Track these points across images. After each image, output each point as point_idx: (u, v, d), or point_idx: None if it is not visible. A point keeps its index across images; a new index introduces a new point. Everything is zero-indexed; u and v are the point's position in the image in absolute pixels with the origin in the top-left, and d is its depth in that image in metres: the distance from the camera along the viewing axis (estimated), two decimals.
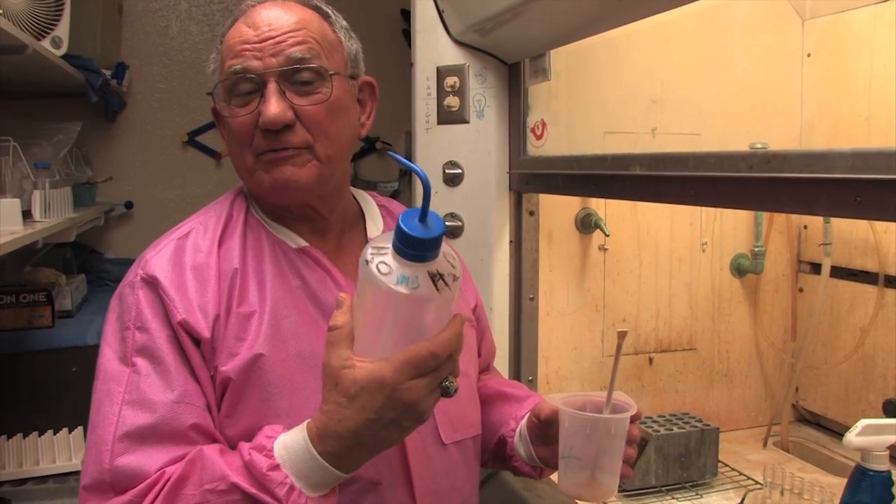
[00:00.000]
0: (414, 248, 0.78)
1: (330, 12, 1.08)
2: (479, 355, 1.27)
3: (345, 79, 1.04)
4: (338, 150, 1.03)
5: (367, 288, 0.80)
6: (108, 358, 0.95)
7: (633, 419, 1.01)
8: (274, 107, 0.96)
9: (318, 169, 1.01)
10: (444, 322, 0.82)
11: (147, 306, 0.94)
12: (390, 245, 0.79)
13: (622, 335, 0.99)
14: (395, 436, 0.84)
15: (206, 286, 0.96)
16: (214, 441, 0.93)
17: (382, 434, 0.83)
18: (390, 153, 0.96)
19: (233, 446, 0.93)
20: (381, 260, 0.79)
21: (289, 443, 0.84)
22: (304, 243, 1.05)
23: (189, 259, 0.98)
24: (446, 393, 0.84)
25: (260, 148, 0.99)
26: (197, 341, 0.94)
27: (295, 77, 0.99)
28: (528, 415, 1.13)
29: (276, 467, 0.83)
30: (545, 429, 1.08)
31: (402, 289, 0.77)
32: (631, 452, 1.03)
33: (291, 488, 0.82)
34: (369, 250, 0.80)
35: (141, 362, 0.92)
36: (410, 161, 1.87)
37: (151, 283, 0.95)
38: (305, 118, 0.99)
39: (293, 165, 0.99)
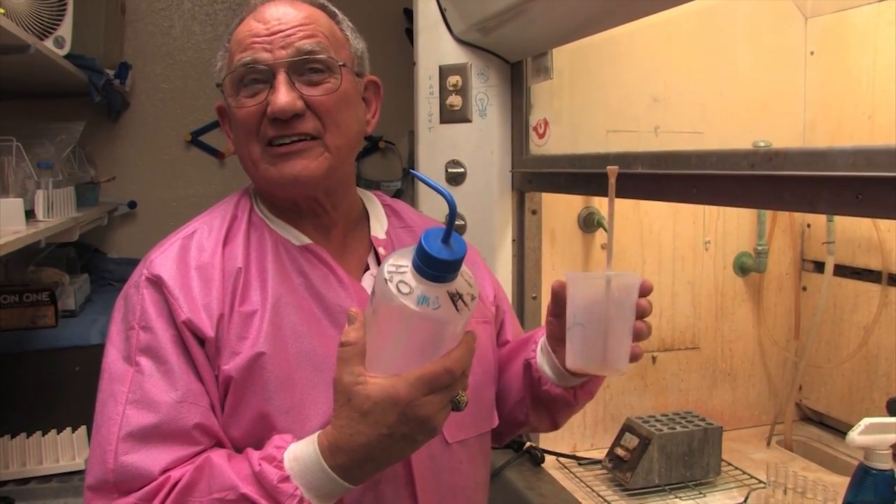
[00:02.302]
0: (436, 269, 0.77)
1: (336, 12, 1.09)
2: (508, 341, 1.24)
3: (352, 73, 1.05)
4: (346, 142, 1.03)
5: (383, 306, 0.80)
6: (113, 358, 0.95)
7: (643, 291, 0.99)
8: (284, 96, 0.96)
9: (328, 161, 1.01)
10: (458, 338, 0.82)
11: (151, 306, 0.95)
12: (409, 263, 0.79)
13: (613, 172, 0.96)
14: (406, 450, 0.85)
15: (210, 286, 0.96)
16: (218, 441, 0.93)
17: (394, 448, 0.83)
18: (412, 171, 0.96)
19: (237, 446, 0.93)
20: (401, 279, 0.78)
21: (299, 455, 0.85)
22: (307, 241, 1.04)
23: (194, 259, 0.98)
24: (457, 407, 0.85)
25: (268, 135, 0.99)
26: (201, 341, 0.94)
27: (304, 68, 0.99)
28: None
29: (287, 479, 0.83)
30: (561, 322, 1.03)
31: (422, 309, 0.77)
32: (641, 326, 0.99)
33: (301, 500, 0.82)
34: (387, 268, 0.79)
35: (145, 362, 0.92)
36: (414, 161, 1.87)
37: (156, 283, 0.96)
38: (316, 107, 0.99)
39: (304, 158, 0.99)
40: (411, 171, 0.98)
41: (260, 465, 0.84)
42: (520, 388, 1.15)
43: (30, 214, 1.74)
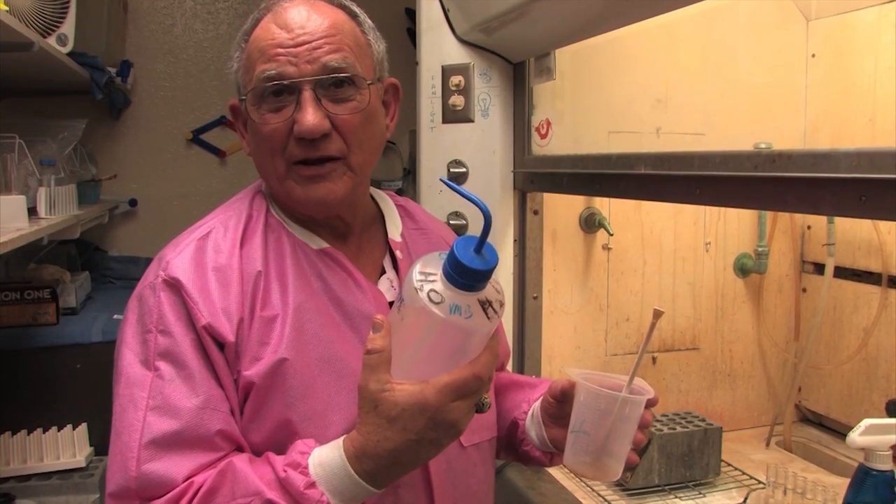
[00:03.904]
0: (470, 279, 0.77)
1: (357, 12, 1.06)
2: None
3: (375, 85, 1.03)
4: (369, 158, 1.02)
5: (413, 314, 0.79)
6: (130, 361, 0.92)
7: (649, 405, 1.00)
8: (312, 116, 0.94)
9: (351, 181, 1.00)
10: (484, 344, 0.82)
11: (170, 309, 0.92)
12: (438, 271, 0.79)
13: (657, 314, 0.96)
14: (432, 452, 0.85)
15: (228, 288, 0.94)
16: (239, 447, 0.93)
17: (421, 452, 0.83)
18: (441, 179, 0.96)
19: (257, 451, 0.92)
20: (432, 288, 0.78)
21: (324, 460, 0.84)
22: (324, 244, 1.03)
23: (210, 260, 0.96)
24: (481, 409, 0.85)
25: (295, 156, 0.97)
26: (221, 345, 0.92)
27: (330, 85, 0.97)
28: (542, 396, 1.12)
29: (313, 485, 0.83)
30: (560, 406, 1.07)
31: (454, 318, 0.77)
32: (641, 438, 1.02)
33: None
34: (415, 276, 0.79)
35: (164, 367, 0.91)
36: (415, 161, 1.88)
37: (174, 286, 0.93)
38: (341, 127, 0.97)
39: (330, 181, 0.98)
40: (441, 178, 0.98)
41: (285, 471, 0.84)
42: (500, 437, 1.19)
43: (32, 212, 1.74)
